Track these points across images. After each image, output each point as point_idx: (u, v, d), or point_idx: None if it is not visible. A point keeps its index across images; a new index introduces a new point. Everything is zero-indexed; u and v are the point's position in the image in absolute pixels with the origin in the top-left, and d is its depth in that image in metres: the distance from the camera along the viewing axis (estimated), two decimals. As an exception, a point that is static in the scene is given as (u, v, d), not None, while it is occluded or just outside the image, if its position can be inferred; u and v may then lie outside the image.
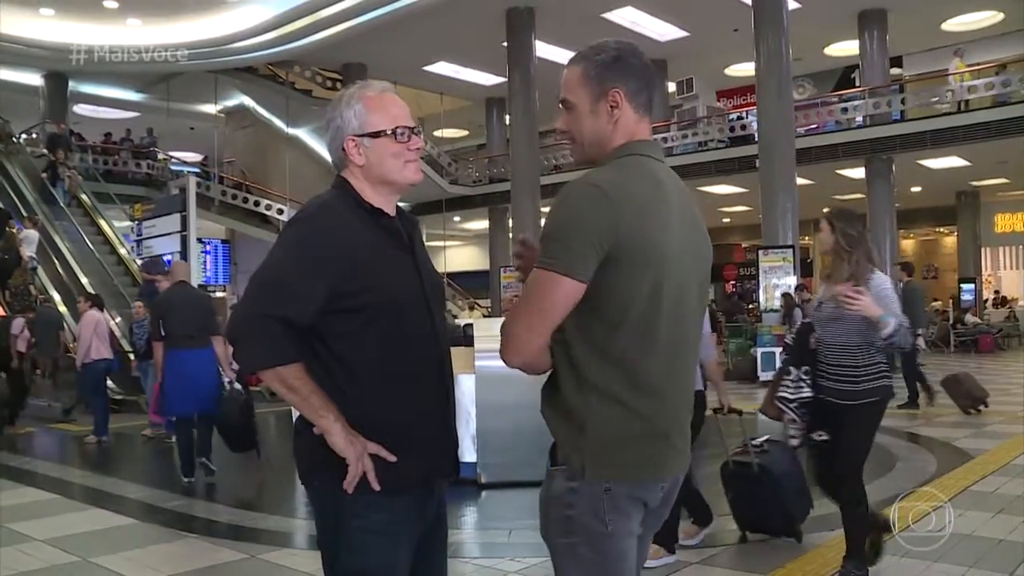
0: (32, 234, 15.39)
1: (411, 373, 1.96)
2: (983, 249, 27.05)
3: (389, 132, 1.99)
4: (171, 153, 25.64)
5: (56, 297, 14.76)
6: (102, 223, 17.34)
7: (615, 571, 1.82)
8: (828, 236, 4.10)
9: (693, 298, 1.89)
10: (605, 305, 1.76)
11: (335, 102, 2.05)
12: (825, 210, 4.26)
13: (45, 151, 19.39)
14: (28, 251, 15.05)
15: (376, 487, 1.87)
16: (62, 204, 17.37)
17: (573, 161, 2.03)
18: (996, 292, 26.44)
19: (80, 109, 26.31)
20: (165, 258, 16.08)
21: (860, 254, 4.01)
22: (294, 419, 2.00)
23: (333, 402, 1.88)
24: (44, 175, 17.96)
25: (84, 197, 18.08)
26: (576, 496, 1.79)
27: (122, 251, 16.51)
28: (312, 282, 1.86)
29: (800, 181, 17.43)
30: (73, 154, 19.75)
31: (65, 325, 12.80)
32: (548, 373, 1.89)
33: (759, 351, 14.51)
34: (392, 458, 1.89)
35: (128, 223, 17.53)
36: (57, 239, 16.19)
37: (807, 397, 4.08)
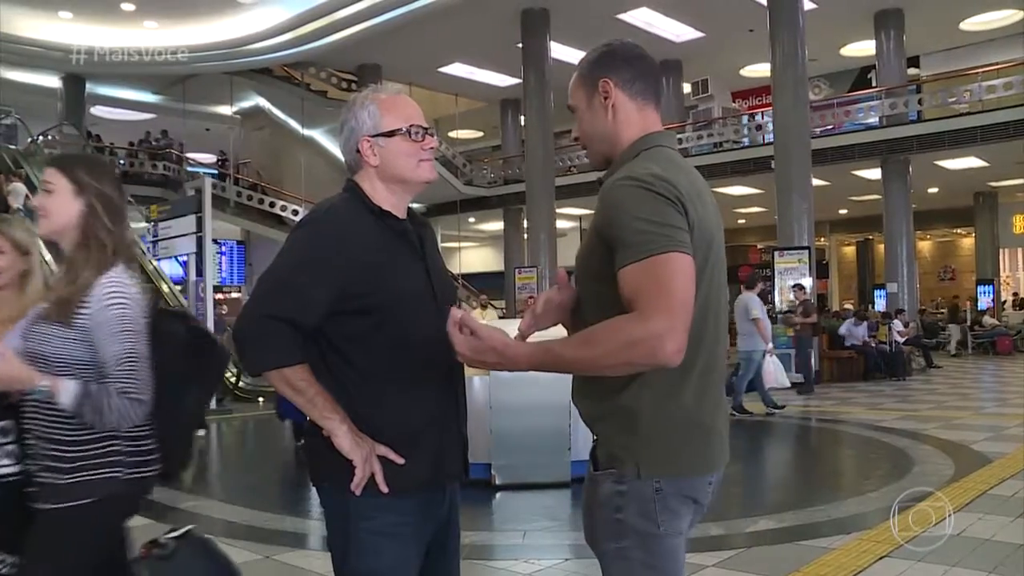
0: (19, 187, 16.02)
1: (420, 375, 1.95)
2: (1001, 250, 26.85)
3: (403, 131, 2.00)
4: (187, 154, 25.77)
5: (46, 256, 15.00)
6: (147, 265, 16.45)
7: (667, 571, 1.79)
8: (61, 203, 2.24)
9: (724, 288, 1.89)
10: None
11: (348, 105, 2.06)
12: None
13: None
14: (16, 203, 15.64)
15: (384, 489, 1.87)
16: None
17: (591, 166, 2.00)
18: (1015, 294, 26.26)
19: (97, 111, 26.54)
20: (181, 259, 16.19)
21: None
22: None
23: (340, 404, 1.88)
24: None
25: (153, 271, 17.08)
26: (626, 499, 1.76)
27: (164, 287, 16.10)
28: (318, 284, 1.86)
29: (816, 182, 17.34)
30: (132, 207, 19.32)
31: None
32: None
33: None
34: (400, 460, 1.89)
35: (144, 224, 17.60)
36: None
37: (7, 473, 2.34)
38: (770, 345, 10.54)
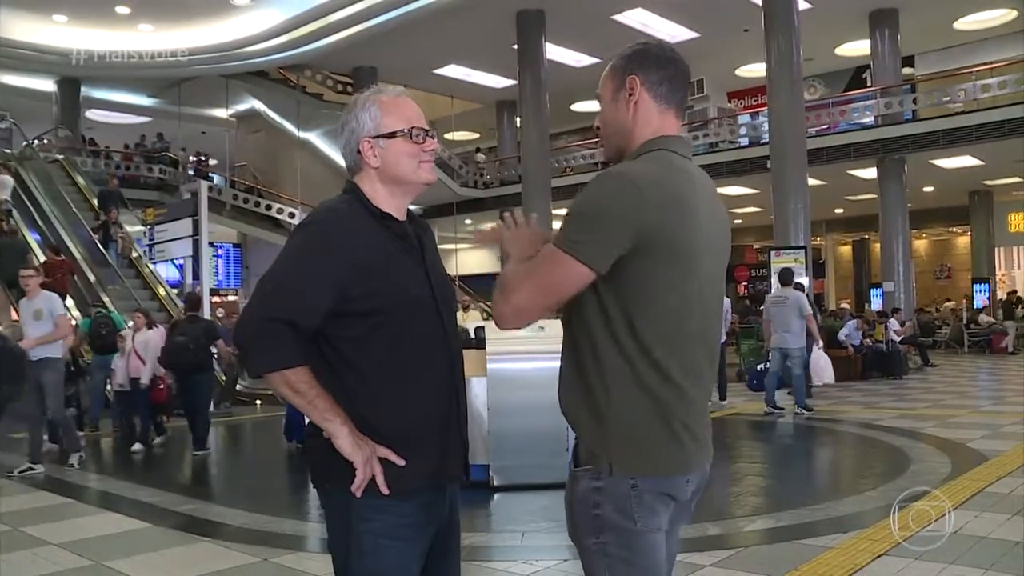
0: (7, 179, 16.27)
1: (420, 376, 1.96)
2: (997, 249, 26.91)
3: (404, 132, 2.00)
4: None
5: (34, 243, 15.31)
6: (160, 290, 16.30)
7: (646, 566, 1.82)
8: None
9: (717, 293, 1.93)
10: (634, 297, 1.77)
11: (349, 106, 2.06)
12: None
13: (97, 210, 17.77)
14: (3, 195, 15.99)
15: (384, 491, 1.87)
16: (115, 267, 16.02)
17: (605, 158, 2.05)
18: (1012, 292, 26.30)
19: (92, 114, 26.49)
20: (177, 262, 16.18)
21: None
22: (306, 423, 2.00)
23: (341, 405, 1.88)
24: (96, 236, 16.77)
25: (137, 256, 16.86)
26: (603, 495, 1.80)
27: (160, 291, 16.00)
28: (319, 286, 1.86)
29: (811, 182, 17.38)
30: (128, 211, 18.39)
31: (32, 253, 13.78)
32: (566, 370, 1.90)
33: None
34: (401, 462, 1.89)
35: (140, 227, 17.59)
36: (111, 307, 14.19)
37: None
38: (821, 342, 10.52)
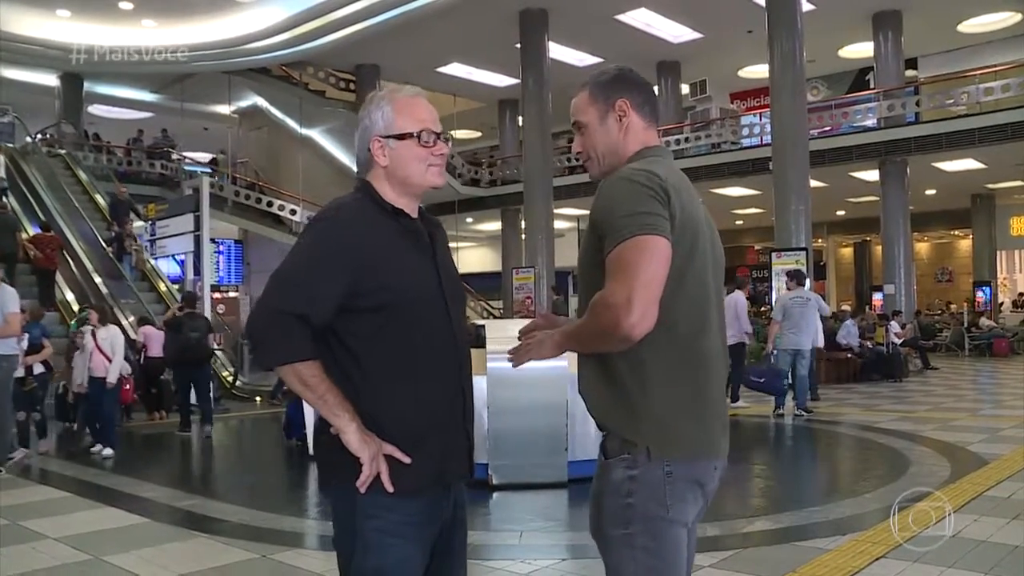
0: None
1: (427, 373, 1.96)
2: (998, 252, 26.89)
3: (415, 135, 2.01)
4: (184, 153, 25.72)
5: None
6: (160, 286, 16.11)
7: (671, 558, 1.88)
8: None
9: (720, 284, 2.03)
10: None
11: (366, 103, 2.08)
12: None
13: (109, 220, 17.28)
14: None
15: (389, 488, 1.88)
16: (129, 282, 15.57)
17: (592, 178, 2.11)
18: (1021, 294, 26.28)
19: (95, 109, 26.53)
20: (178, 258, 16.16)
21: None
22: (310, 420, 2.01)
23: (349, 401, 1.89)
24: (109, 249, 16.34)
25: (151, 269, 16.46)
26: (637, 483, 1.86)
27: (161, 286, 15.99)
28: (330, 281, 1.87)
29: (813, 183, 17.36)
30: (139, 219, 17.70)
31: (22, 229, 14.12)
32: (590, 368, 1.95)
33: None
34: (406, 459, 1.90)
35: (142, 223, 17.55)
36: (126, 324, 13.34)
37: None
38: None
